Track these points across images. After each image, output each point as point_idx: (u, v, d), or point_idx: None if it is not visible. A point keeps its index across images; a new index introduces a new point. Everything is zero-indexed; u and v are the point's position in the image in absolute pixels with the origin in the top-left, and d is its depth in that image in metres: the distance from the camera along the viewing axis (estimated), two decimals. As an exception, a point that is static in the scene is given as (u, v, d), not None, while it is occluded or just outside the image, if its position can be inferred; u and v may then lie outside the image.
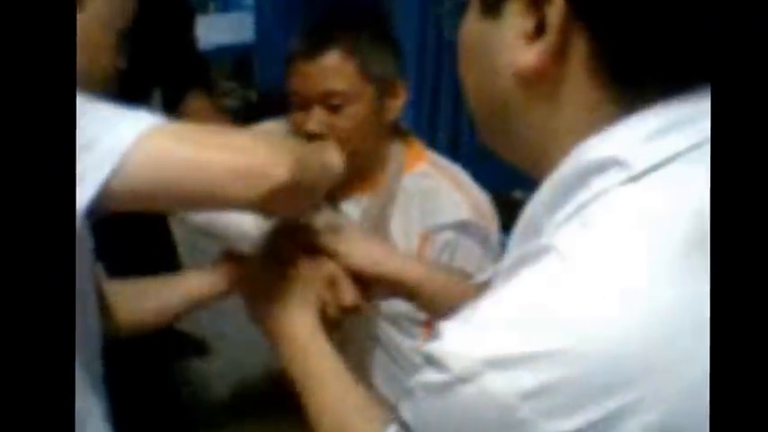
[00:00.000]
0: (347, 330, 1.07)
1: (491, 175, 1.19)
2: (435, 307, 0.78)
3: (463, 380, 0.40)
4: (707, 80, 0.41)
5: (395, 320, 1.13)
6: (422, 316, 1.09)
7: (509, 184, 1.86)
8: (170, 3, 1.65)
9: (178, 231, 1.80)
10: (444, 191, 1.12)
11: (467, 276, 0.81)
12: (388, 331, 1.14)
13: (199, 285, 0.87)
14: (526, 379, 0.39)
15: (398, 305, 1.06)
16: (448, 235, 1.09)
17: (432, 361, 0.43)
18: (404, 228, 1.12)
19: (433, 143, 1.55)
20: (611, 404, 0.38)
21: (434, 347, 0.43)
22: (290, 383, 0.68)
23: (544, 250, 0.43)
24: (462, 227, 1.09)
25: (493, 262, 1.10)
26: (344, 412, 0.63)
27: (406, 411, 0.47)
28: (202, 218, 0.89)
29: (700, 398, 0.38)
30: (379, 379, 1.16)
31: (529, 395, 0.39)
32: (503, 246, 1.12)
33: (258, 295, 0.73)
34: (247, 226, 0.83)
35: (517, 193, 2.03)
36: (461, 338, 0.42)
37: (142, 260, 1.48)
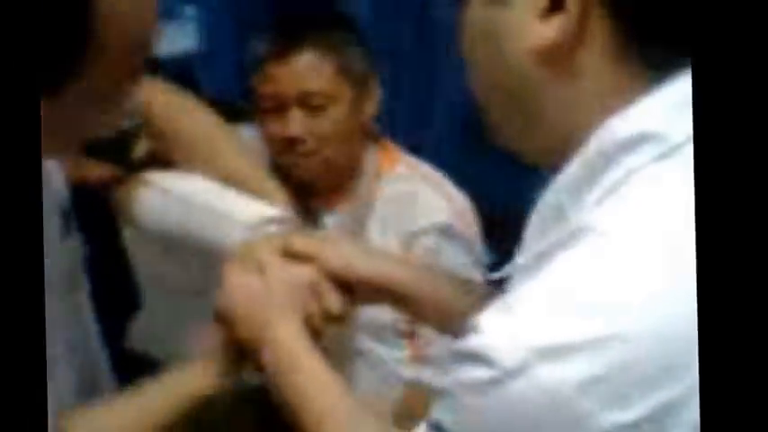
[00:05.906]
0: (326, 344, 1.01)
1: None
2: (425, 313, 0.72)
3: (512, 373, 0.38)
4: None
5: (377, 332, 1.08)
6: (405, 326, 1.05)
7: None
8: None
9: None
10: (423, 194, 1.09)
11: (457, 279, 0.75)
12: (369, 344, 1.09)
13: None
14: (582, 368, 0.37)
15: (380, 316, 1.02)
16: (429, 240, 1.05)
17: (472, 357, 0.40)
18: (382, 233, 1.08)
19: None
20: (668, 391, 0.37)
21: (474, 342, 0.40)
22: (274, 396, 0.63)
23: (580, 232, 0.41)
24: (444, 231, 1.05)
25: (478, 270, 1.05)
26: (354, 414, 0.59)
27: (442, 412, 0.44)
28: (173, 221, 0.80)
29: None
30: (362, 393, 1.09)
31: (586, 385, 0.37)
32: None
33: (239, 305, 0.67)
34: (226, 227, 0.76)
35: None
36: (504, 330, 0.39)
37: None
